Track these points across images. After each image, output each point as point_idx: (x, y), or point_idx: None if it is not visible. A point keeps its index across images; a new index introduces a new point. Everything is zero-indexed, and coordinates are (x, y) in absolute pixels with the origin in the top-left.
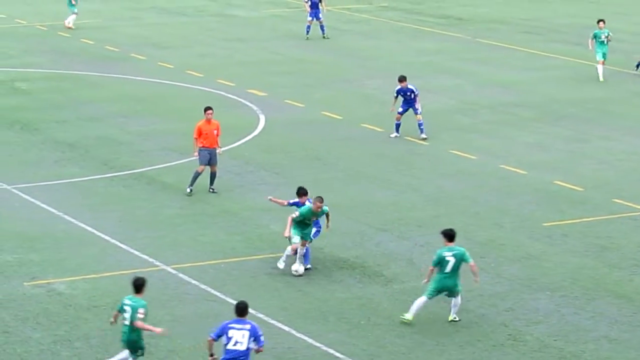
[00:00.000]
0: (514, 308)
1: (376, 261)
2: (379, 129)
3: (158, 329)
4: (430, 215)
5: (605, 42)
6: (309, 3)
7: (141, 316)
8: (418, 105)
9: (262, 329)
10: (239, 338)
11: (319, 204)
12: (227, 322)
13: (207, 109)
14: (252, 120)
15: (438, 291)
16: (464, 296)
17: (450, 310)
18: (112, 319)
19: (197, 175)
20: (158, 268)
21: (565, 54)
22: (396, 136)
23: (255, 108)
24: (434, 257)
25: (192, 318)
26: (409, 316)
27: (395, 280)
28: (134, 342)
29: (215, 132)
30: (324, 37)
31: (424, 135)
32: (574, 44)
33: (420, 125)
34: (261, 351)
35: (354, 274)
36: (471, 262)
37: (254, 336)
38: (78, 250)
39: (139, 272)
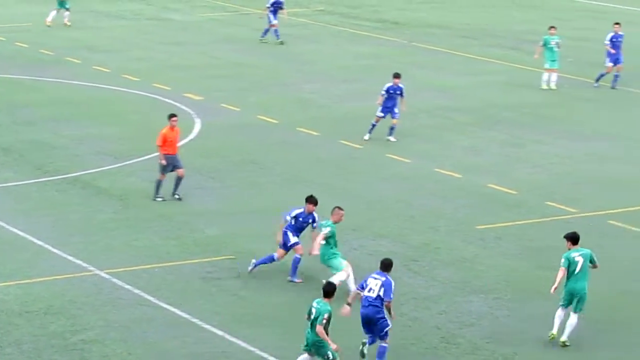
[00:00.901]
0: (447, 311)
1: (310, 265)
2: (315, 133)
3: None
4: (365, 219)
5: (555, 49)
6: (270, 8)
7: (324, 321)
8: (398, 109)
9: (196, 334)
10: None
11: (342, 211)
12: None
13: (171, 115)
14: (188, 124)
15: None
16: (398, 299)
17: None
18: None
19: (159, 183)
20: (91, 273)
21: (502, 59)
22: (369, 138)
23: (191, 112)
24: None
25: (125, 323)
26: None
27: None
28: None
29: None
30: (279, 42)
31: (392, 139)
32: (510, 48)
33: (393, 128)
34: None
35: (287, 277)
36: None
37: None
38: (11, 255)
39: (72, 277)
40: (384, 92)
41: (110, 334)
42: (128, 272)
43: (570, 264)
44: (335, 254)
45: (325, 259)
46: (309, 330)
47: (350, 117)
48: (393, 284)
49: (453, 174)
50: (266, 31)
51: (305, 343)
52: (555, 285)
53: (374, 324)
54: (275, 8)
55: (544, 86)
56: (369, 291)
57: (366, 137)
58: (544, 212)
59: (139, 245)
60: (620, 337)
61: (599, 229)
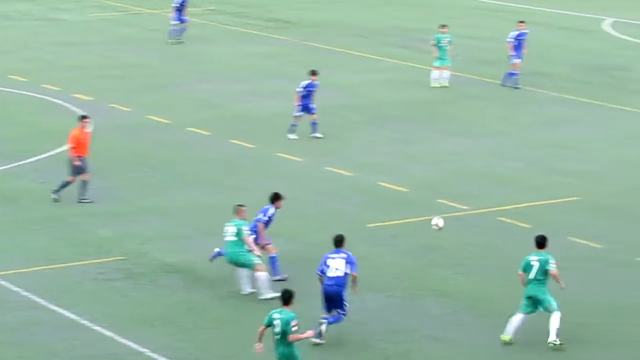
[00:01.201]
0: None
1: (202, 265)
2: (206, 133)
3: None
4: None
5: (446, 47)
6: (176, 6)
7: (295, 328)
8: (314, 105)
9: (86, 336)
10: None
11: (244, 208)
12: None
13: (83, 117)
14: (77, 125)
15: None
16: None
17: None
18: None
19: (66, 184)
20: None
21: (393, 57)
22: (294, 138)
23: (80, 113)
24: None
25: (14, 326)
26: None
27: (221, 284)
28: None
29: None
30: (179, 41)
31: (319, 135)
32: (400, 46)
33: (315, 124)
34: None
35: (180, 278)
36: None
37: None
38: None
39: None
40: (301, 89)
41: None
42: (18, 275)
43: (527, 268)
44: (245, 251)
45: (236, 257)
46: (278, 343)
47: (241, 116)
48: (354, 257)
49: (344, 172)
50: (182, 30)
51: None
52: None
53: (335, 301)
54: (180, 7)
55: (435, 84)
56: (335, 270)
57: (292, 136)
58: (434, 209)
59: (29, 247)
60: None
61: (489, 225)
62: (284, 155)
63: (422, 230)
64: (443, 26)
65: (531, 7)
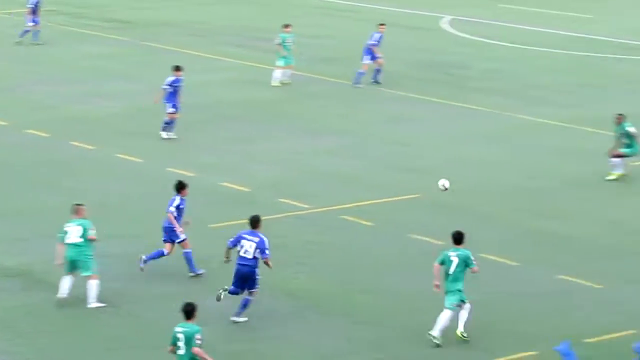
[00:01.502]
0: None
1: (41, 268)
2: (45, 135)
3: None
4: (97, 220)
5: (290, 46)
6: (31, 7)
7: (199, 342)
8: (178, 103)
9: None
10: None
11: (83, 207)
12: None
13: None
14: None
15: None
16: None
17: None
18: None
19: None
20: None
21: (232, 56)
22: (170, 136)
23: None
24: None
25: None
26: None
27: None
28: None
29: None
30: (37, 44)
31: (172, 135)
32: (238, 46)
33: (169, 123)
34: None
35: (18, 281)
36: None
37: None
38: None
39: None
40: (166, 86)
41: None
42: None
43: (445, 263)
44: (90, 254)
45: (79, 257)
46: (180, 358)
47: (80, 118)
48: (266, 240)
49: (186, 173)
50: (37, 33)
51: None
52: (435, 282)
53: (247, 282)
54: (35, 9)
55: (275, 83)
56: (244, 252)
57: (166, 135)
58: (277, 208)
59: None
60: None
61: (331, 223)
62: (124, 157)
63: (265, 229)
64: (287, 25)
65: (369, 6)
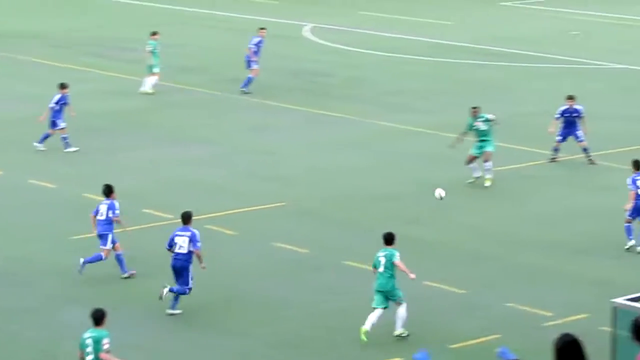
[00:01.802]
0: (47, 323)
1: None
2: None
3: None
4: None
5: (158, 54)
6: None
7: (106, 347)
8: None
9: None
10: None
11: None
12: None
13: None
14: None
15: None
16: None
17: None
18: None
19: None
20: None
21: (92, 67)
22: (70, 150)
23: None
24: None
25: None
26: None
27: None
28: None
29: None
30: None
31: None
32: (98, 56)
33: (47, 137)
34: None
35: None
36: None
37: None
38: None
39: None
40: (53, 105)
41: None
42: None
43: (376, 264)
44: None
45: None
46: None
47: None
48: (198, 234)
49: (48, 185)
50: None
51: None
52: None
53: (182, 276)
54: None
55: (150, 90)
56: (179, 248)
57: (69, 149)
58: (141, 219)
59: None
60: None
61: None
62: None
63: (129, 240)
64: (155, 33)
65: (230, 14)
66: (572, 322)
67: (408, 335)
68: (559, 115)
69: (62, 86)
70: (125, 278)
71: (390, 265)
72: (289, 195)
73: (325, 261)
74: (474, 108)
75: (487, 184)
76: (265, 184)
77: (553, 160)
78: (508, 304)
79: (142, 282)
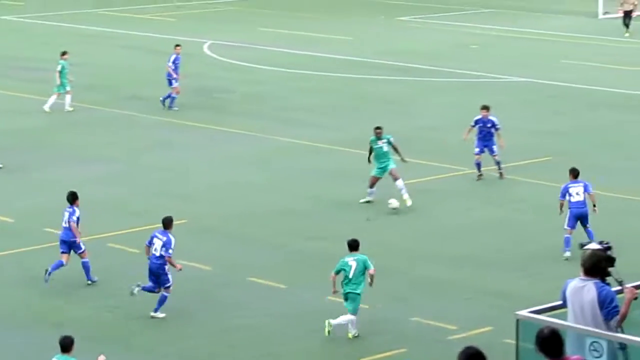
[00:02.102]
0: None
1: None
2: None
3: None
4: None
5: (65, 74)
6: None
7: None
8: None
9: None
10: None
11: None
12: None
13: None
14: None
15: None
16: None
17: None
18: None
19: None
20: None
21: None
22: None
23: None
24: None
25: None
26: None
27: None
28: None
29: None
30: None
31: None
32: (1, 75)
33: None
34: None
35: None
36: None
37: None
38: None
39: None
40: None
41: None
42: None
43: (344, 269)
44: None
45: None
46: None
47: None
48: (173, 240)
49: None
50: None
51: None
52: (333, 289)
53: (158, 277)
54: None
55: (68, 108)
56: (154, 250)
57: None
58: (43, 238)
59: None
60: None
61: (99, 251)
62: None
63: (30, 259)
64: (64, 53)
65: (129, 32)
66: (477, 335)
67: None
68: (473, 124)
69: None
70: (89, 284)
71: (363, 271)
72: (191, 212)
73: (228, 278)
74: (378, 129)
75: (408, 203)
76: (168, 201)
77: (479, 177)
78: (413, 318)
79: (49, 301)
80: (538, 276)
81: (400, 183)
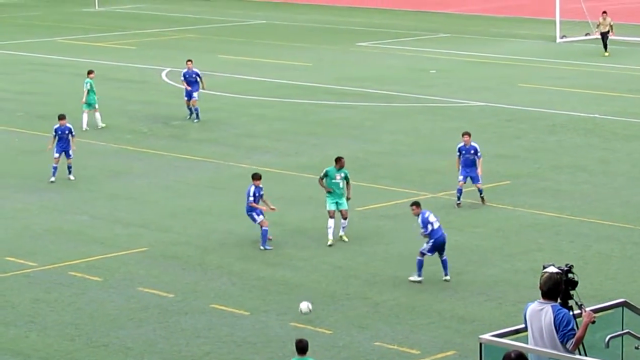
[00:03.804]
0: None
1: None
2: None
3: None
4: None
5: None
6: None
7: None
8: None
9: None
10: None
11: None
12: None
13: None
14: None
15: None
16: None
17: None
18: None
19: None
20: None
21: None
22: None
23: None
24: None
25: None
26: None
27: None
28: None
29: None
30: None
31: None
32: None
33: None
34: None
35: None
36: None
37: None
38: None
39: None
40: None
41: None
42: None
43: None
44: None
45: None
46: None
47: None
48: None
49: None
50: None
51: None
52: None
53: None
54: None
55: (101, 124)
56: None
57: None
58: (4, 267)
59: None
60: None
61: (60, 280)
62: None
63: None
64: (90, 72)
65: (83, 60)
66: (440, 359)
67: None
68: (458, 153)
69: None
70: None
71: None
72: (152, 239)
73: (191, 305)
74: (339, 159)
75: (346, 239)
76: (128, 229)
77: (459, 205)
78: (375, 343)
79: (8, 330)
80: (500, 300)
81: (346, 222)
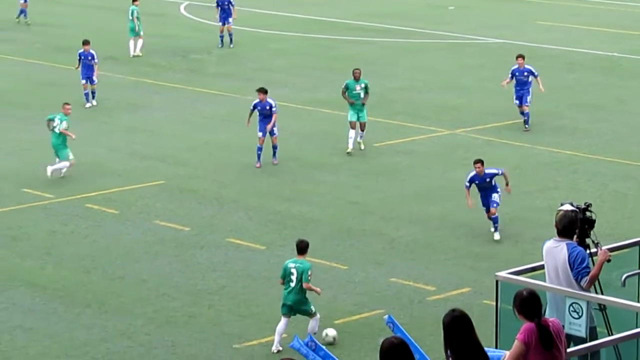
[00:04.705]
0: None
1: None
2: None
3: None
4: None
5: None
6: None
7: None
8: None
9: None
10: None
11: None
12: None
13: None
14: None
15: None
16: None
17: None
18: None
19: None
20: None
21: None
22: None
23: None
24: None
25: None
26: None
27: None
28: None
29: None
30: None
31: None
32: None
33: None
34: None
35: None
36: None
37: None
38: None
39: None
40: None
41: None
42: None
43: (286, 275)
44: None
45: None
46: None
47: None
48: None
49: None
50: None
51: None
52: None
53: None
54: None
55: (139, 53)
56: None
57: None
58: (21, 199)
59: None
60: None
61: (76, 212)
62: None
63: (7, 220)
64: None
65: None
66: (455, 296)
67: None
68: (510, 76)
69: None
70: None
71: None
72: (169, 173)
73: (207, 239)
74: (354, 70)
75: (362, 147)
76: (145, 162)
77: (526, 130)
78: (391, 279)
79: (23, 262)
80: (516, 237)
81: (364, 133)
